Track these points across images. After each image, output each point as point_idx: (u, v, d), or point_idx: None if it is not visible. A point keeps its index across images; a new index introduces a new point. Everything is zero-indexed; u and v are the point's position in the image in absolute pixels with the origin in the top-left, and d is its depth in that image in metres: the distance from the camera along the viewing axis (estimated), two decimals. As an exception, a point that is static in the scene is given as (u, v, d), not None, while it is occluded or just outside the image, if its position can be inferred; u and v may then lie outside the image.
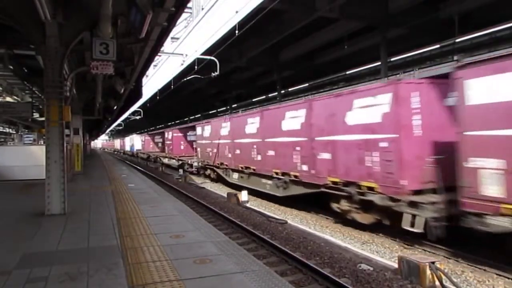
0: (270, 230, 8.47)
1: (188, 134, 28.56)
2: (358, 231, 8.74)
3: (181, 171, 22.49)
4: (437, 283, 5.11)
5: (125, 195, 9.50)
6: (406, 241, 7.67)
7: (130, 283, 3.64)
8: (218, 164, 17.79)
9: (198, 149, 21.51)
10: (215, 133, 18.32)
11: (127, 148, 56.16)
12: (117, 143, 77.52)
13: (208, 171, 19.91)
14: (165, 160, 30.19)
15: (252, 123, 14.02)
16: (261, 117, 13.33)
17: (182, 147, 28.94)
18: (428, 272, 5.12)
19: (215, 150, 18.15)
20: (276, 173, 11.93)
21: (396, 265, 5.82)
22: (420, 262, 5.22)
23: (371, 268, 5.85)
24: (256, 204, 12.65)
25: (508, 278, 5.75)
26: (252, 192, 13.50)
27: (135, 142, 49.75)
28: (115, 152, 71.68)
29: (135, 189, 10.92)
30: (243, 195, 12.48)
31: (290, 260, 6.22)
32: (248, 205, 12.16)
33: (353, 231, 8.81)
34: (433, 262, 5.20)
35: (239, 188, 14.54)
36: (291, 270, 5.93)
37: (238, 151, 15.39)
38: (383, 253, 7.31)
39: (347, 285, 5.03)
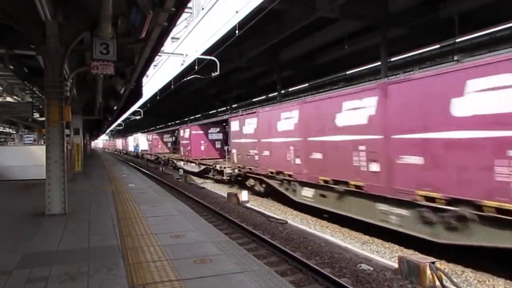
0: (271, 230, 8.47)
1: (209, 131, 24.14)
2: (359, 231, 8.74)
3: (181, 171, 22.46)
4: (437, 283, 5.11)
5: (125, 195, 9.51)
6: (406, 241, 7.67)
7: (131, 283, 3.64)
8: (271, 172, 12.72)
9: (234, 150, 16.68)
10: (267, 128, 13.21)
11: (131, 148, 50.74)
12: (118, 143, 72.02)
13: (252, 182, 14.93)
14: (180, 164, 25.99)
15: (356, 109, 8.55)
16: (383, 95, 7.81)
17: (202, 147, 23.92)
18: (428, 272, 5.12)
19: (266, 153, 13.27)
20: (430, 199, 6.68)
21: (396, 265, 5.82)
22: (420, 262, 5.22)
23: (371, 268, 5.86)
24: (257, 204, 12.65)
25: (508, 278, 5.74)
26: (346, 222, 9.11)
27: (140, 141, 44.19)
28: (116, 152, 70.35)
29: (135, 189, 10.92)
30: (243, 195, 12.48)
31: (290, 260, 6.22)
32: (248, 205, 12.16)
33: (353, 231, 8.80)
34: (433, 262, 5.20)
35: (311, 209, 10.59)
36: (292, 270, 5.93)
37: (317, 156, 9.98)
38: (383, 253, 7.31)
39: (347, 285, 5.04)
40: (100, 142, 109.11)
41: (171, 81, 25.13)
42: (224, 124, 22.68)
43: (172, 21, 7.09)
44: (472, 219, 5.98)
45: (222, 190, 16.05)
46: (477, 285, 5.70)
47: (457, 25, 15.20)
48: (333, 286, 5.15)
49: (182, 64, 19.99)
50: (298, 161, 11.11)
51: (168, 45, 16.92)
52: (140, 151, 42.64)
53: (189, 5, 10.84)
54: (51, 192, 6.71)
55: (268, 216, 10.07)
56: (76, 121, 15.02)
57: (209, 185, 18.22)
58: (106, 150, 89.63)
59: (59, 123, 6.85)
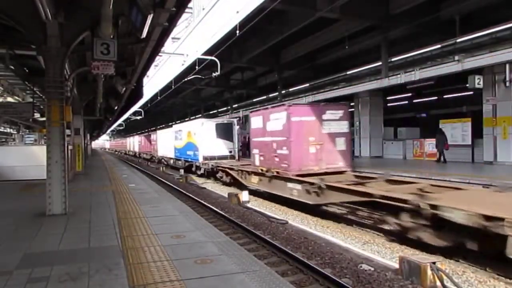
0: (271, 230, 8.46)
1: None
2: (359, 231, 8.73)
3: (181, 171, 22.42)
4: (438, 283, 5.10)
5: (126, 195, 9.51)
6: (407, 241, 7.66)
7: (131, 283, 3.64)
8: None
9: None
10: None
11: (164, 151, 28.89)
12: (132, 142, 50.50)
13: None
14: None
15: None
16: None
17: None
18: (429, 272, 5.11)
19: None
20: None
21: (397, 265, 5.80)
22: (421, 263, 5.21)
23: (372, 269, 5.84)
24: (257, 204, 12.63)
25: (509, 279, 5.73)
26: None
27: (198, 138, 20.09)
28: (116, 152, 64.05)
29: (136, 189, 10.92)
30: (244, 195, 12.46)
31: (291, 260, 6.21)
32: (249, 205, 12.15)
33: (354, 231, 8.79)
34: (434, 263, 5.19)
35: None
36: (292, 270, 5.92)
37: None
38: (384, 253, 7.30)
39: (348, 285, 5.03)
40: (106, 143, 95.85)
41: (171, 81, 25.15)
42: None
43: (172, 21, 7.10)
44: None
45: (222, 191, 16.03)
46: (478, 286, 5.69)
47: (458, 25, 15.19)
48: (333, 287, 5.14)
49: (183, 64, 20.03)
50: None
51: (168, 45, 16.97)
52: (200, 159, 19.48)
53: (190, 5, 10.84)
54: (51, 192, 6.72)
55: (269, 216, 10.06)
56: (76, 121, 15.05)
57: (210, 185, 18.20)
58: (107, 150, 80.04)
59: (59, 123, 6.85)
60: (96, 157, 36.64)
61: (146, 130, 54.32)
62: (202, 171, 19.67)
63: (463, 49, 15.43)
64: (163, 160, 30.47)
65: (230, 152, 19.46)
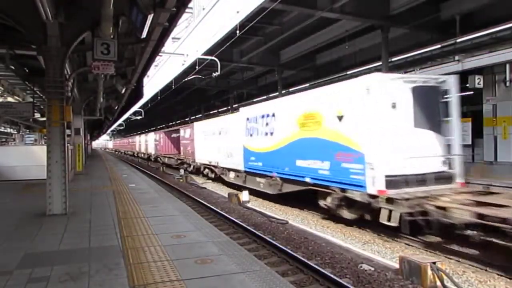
0: (271, 230, 8.47)
1: None
2: (360, 231, 8.73)
3: (181, 171, 22.41)
4: (438, 283, 5.10)
5: (126, 195, 9.51)
6: (407, 241, 7.66)
7: (131, 283, 3.64)
8: None
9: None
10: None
11: (213, 156, 17.68)
12: (144, 142, 39.91)
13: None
14: None
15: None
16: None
17: None
18: (430, 272, 5.11)
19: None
20: None
21: (397, 265, 5.81)
22: (421, 262, 5.21)
23: (372, 269, 5.84)
24: (257, 204, 12.64)
25: (509, 278, 5.73)
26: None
27: (358, 124, 7.82)
28: (116, 152, 60.22)
29: (136, 189, 10.93)
30: (244, 195, 12.46)
31: (291, 260, 6.22)
32: (249, 205, 12.15)
33: (354, 231, 8.79)
34: (434, 262, 5.19)
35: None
36: (292, 270, 5.92)
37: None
38: (384, 253, 7.30)
39: (348, 285, 5.03)
40: (109, 142, 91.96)
41: (172, 81, 25.14)
42: None
43: (173, 21, 7.09)
44: None
45: (223, 191, 16.04)
46: (478, 286, 5.69)
47: (458, 25, 15.18)
48: (334, 287, 5.14)
49: (183, 64, 20.00)
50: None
51: (169, 45, 16.93)
52: (376, 188, 7.37)
53: (190, 5, 10.84)
54: (52, 192, 6.73)
55: (269, 216, 10.06)
56: (77, 121, 15.07)
57: (210, 185, 18.20)
58: (108, 150, 75.86)
59: (60, 123, 6.85)
60: (96, 157, 36.63)
61: (172, 124, 44.83)
62: (392, 221, 7.36)
63: (463, 49, 15.40)
64: (207, 170, 19.00)
65: (444, 163, 8.33)
